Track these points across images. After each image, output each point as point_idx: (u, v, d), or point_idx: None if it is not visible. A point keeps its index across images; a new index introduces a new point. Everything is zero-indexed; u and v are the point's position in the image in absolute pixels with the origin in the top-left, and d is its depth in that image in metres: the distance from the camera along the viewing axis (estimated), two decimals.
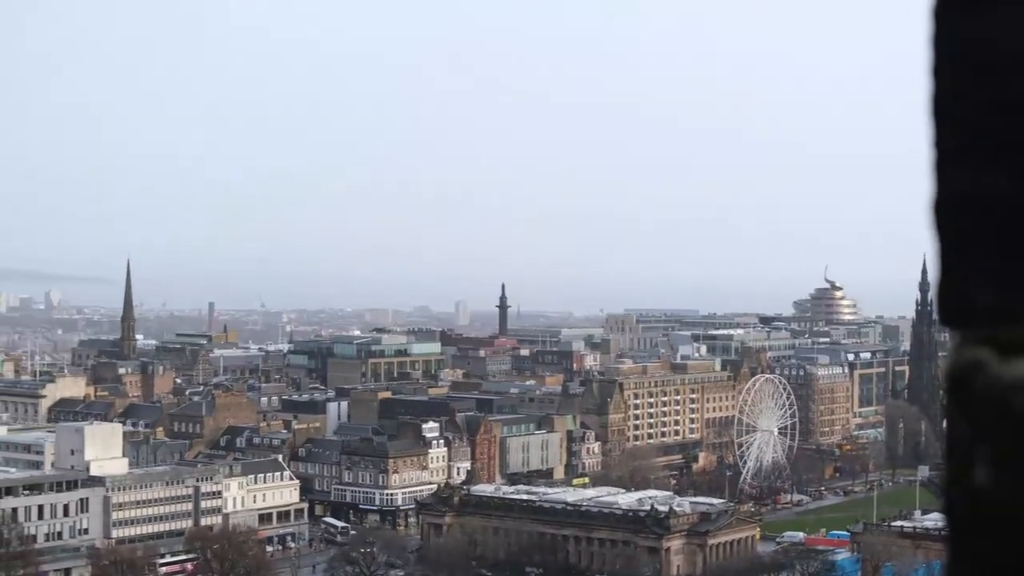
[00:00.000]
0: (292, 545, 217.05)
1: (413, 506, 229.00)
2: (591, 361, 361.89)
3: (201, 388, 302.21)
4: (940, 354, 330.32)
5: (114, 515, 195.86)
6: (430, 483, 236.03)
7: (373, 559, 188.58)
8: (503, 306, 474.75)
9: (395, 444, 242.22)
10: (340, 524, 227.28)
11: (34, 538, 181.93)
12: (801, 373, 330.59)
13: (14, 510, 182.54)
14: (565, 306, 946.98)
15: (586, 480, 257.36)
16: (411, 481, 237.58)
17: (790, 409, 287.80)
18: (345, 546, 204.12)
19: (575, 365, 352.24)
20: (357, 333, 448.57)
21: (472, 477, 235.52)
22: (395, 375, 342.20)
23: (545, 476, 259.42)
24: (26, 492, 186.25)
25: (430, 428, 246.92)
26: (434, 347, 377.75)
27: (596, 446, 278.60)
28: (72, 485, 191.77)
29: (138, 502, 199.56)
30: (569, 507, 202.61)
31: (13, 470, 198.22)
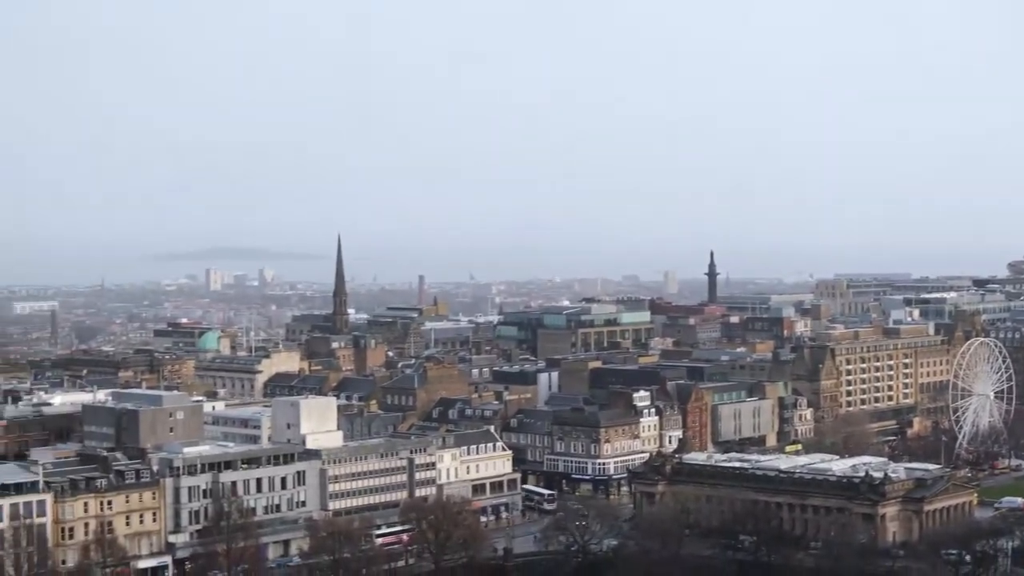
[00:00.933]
0: (505, 515, 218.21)
1: (625, 475, 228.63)
2: (801, 327, 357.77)
3: (413, 361, 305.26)
4: None
5: (330, 487, 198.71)
6: (642, 452, 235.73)
7: (586, 528, 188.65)
8: (712, 274, 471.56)
9: (606, 413, 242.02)
10: (545, 492, 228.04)
11: (253, 511, 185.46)
12: (1017, 336, 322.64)
13: (233, 483, 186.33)
14: (774, 272, 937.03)
15: (799, 447, 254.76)
16: (623, 450, 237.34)
17: (1006, 372, 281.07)
18: (558, 513, 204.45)
19: (785, 331, 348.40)
20: (566, 303, 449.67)
21: (684, 445, 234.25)
22: (605, 344, 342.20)
23: (757, 443, 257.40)
24: (244, 466, 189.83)
25: (641, 397, 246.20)
26: (643, 316, 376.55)
27: (808, 412, 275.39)
28: (289, 458, 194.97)
29: (353, 474, 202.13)
30: (782, 474, 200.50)
31: (231, 444, 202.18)
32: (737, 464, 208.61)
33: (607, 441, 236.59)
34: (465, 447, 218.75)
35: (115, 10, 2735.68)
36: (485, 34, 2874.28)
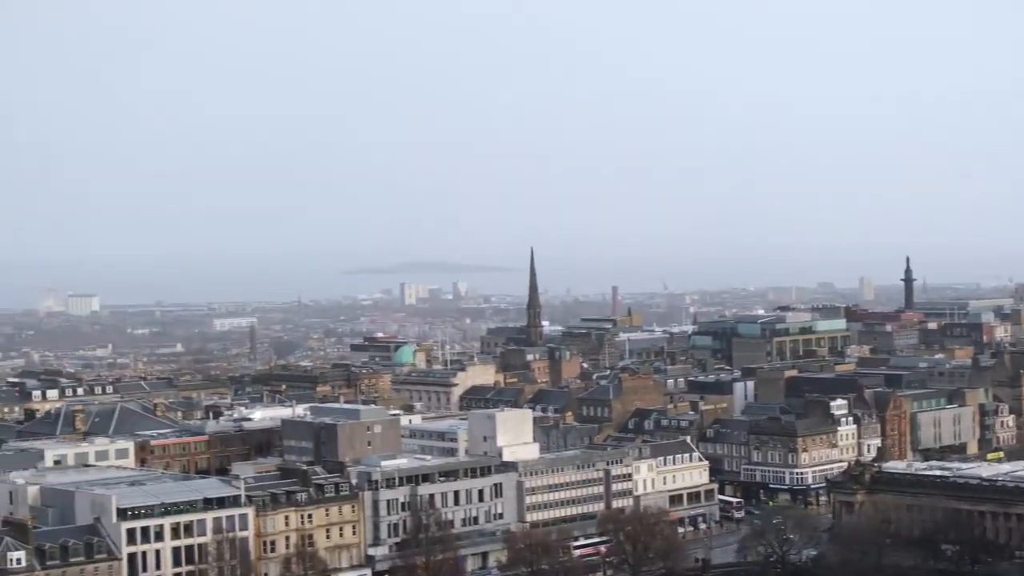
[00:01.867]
0: (703, 526, 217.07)
1: (823, 485, 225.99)
2: (1002, 332, 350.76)
3: (608, 372, 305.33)
4: None
5: (527, 499, 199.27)
6: (840, 461, 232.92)
7: (785, 539, 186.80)
8: (908, 279, 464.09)
9: (803, 422, 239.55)
10: (732, 499, 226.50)
11: (451, 523, 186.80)
12: None
13: (431, 496, 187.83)
14: (972, 277, 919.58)
15: (1001, 454, 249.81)
16: (821, 459, 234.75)
17: None
18: (753, 522, 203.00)
19: (985, 337, 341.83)
20: (761, 312, 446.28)
21: (883, 454, 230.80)
22: (801, 353, 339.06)
23: (957, 451, 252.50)
24: (442, 478, 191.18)
25: (838, 405, 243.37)
26: (839, 323, 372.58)
27: (1010, 419, 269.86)
28: (486, 471, 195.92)
29: (550, 486, 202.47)
30: (985, 482, 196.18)
31: (429, 457, 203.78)
32: (938, 472, 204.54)
33: (804, 450, 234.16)
34: (661, 458, 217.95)
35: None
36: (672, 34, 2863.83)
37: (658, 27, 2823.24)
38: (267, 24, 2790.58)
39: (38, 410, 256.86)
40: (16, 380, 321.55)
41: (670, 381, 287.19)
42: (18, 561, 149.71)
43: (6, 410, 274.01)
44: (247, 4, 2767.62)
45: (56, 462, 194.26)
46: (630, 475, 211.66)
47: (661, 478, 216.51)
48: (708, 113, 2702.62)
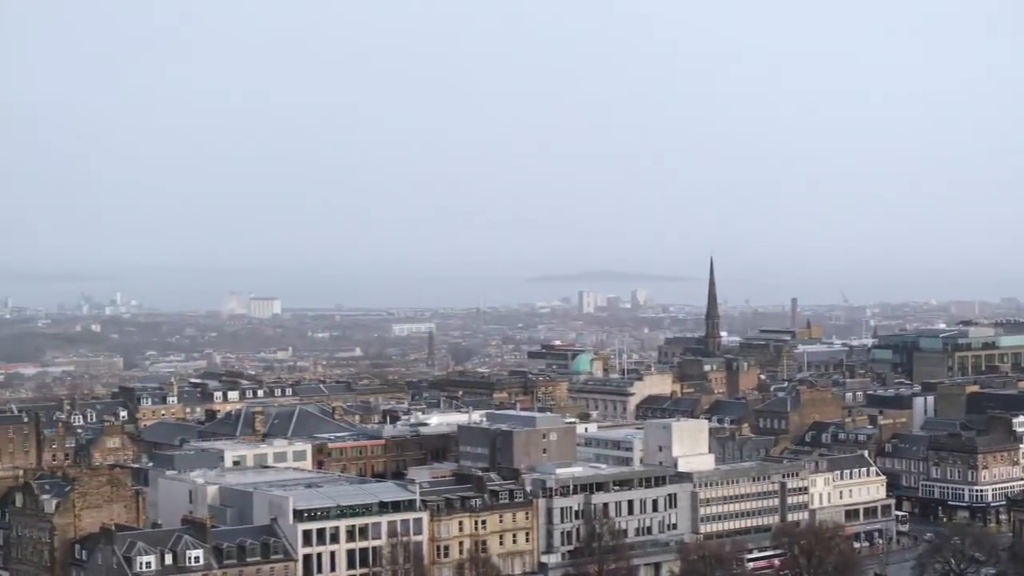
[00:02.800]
0: (879, 541, 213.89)
1: (1003, 502, 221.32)
2: None
3: (785, 384, 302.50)
4: None
5: (701, 511, 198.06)
6: (1021, 479, 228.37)
7: (964, 556, 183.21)
8: None
9: (984, 439, 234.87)
10: (899, 514, 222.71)
11: (625, 532, 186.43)
12: None
13: (605, 505, 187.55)
14: None
15: None
16: (1001, 477, 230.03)
17: None
18: (934, 540, 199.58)
19: None
20: (942, 326, 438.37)
21: None
22: (983, 368, 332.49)
23: None
24: (616, 488, 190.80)
25: (1020, 423, 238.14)
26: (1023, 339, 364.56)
27: None
28: (660, 481, 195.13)
29: (725, 498, 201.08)
30: None
31: (604, 466, 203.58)
32: None
33: (985, 467, 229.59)
34: (838, 472, 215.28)
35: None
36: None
37: (846, 40, 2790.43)
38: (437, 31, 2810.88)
39: (219, 411, 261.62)
40: (198, 381, 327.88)
41: (848, 394, 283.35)
42: (196, 559, 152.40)
43: (188, 410, 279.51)
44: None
45: (235, 463, 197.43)
46: (806, 488, 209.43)
47: (837, 492, 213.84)
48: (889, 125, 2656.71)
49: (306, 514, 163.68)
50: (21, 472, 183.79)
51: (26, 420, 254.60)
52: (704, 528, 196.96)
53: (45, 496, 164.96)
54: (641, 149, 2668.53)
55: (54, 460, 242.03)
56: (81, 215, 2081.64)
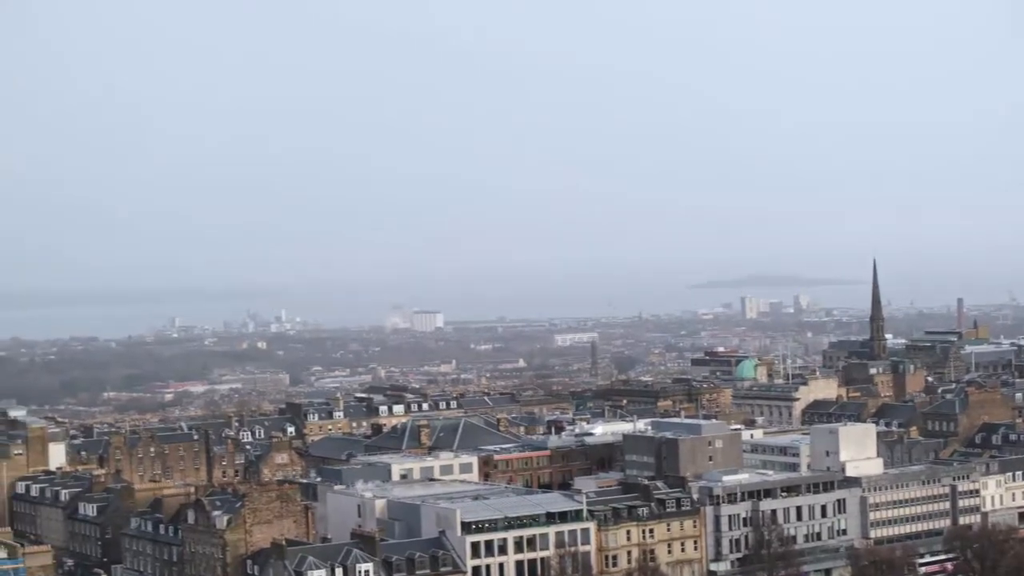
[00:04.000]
0: None
1: None
2: None
3: (953, 385, 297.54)
4: None
5: (871, 515, 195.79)
6: None
7: None
8: None
9: None
10: None
11: (793, 539, 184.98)
12: None
13: (773, 511, 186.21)
14: None
15: None
16: None
17: None
18: None
19: None
20: None
21: None
22: None
23: None
24: (784, 494, 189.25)
25: None
26: None
27: None
28: (828, 486, 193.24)
29: (894, 502, 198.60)
30: None
31: (770, 472, 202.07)
32: None
33: None
34: (1010, 473, 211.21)
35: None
36: None
37: None
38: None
39: (385, 424, 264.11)
40: (364, 395, 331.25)
41: (1018, 395, 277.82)
42: (366, 573, 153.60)
43: (354, 425, 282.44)
44: None
45: (402, 476, 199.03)
46: (977, 491, 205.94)
47: (1010, 494, 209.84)
48: None
49: (474, 526, 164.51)
50: (192, 489, 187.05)
51: (196, 437, 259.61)
52: (874, 533, 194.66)
53: (216, 512, 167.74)
54: (803, 149, 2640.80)
55: (224, 476, 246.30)
56: (245, 234, 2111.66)
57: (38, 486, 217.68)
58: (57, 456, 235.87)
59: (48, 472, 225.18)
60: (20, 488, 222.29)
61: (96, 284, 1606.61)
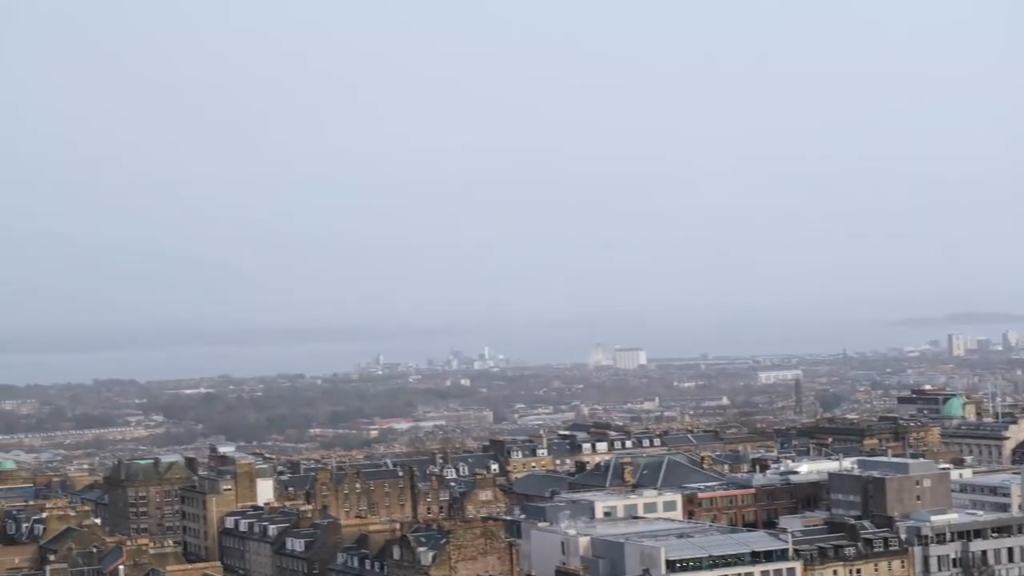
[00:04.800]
0: None
1: None
2: None
3: None
4: None
5: None
6: None
7: None
8: None
9: None
10: None
11: None
12: None
13: (984, 553, 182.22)
14: None
15: None
16: None
17: None
18: None
19: None
20: None
21: None
22: None
23: None
24: (995, 535, 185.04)
25: None
26: None
27: None
28: None
29: None
30: None
31: (980, 512, 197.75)
32: None
33: None
34: None
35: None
36: None
37: None
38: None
39: (588, 462, 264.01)
40: (567, 432, 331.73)
41: None
42: None
43: (557, 462, 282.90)
44: None
45: (606, 513, 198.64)
46: None
47: None
48: None
49: (678, 564, 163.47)
50: (398, 525, 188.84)
51: (401, 474, 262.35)
52: None
53: (421, 549, 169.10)
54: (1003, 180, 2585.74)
55: (428, 513, 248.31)
56: (451, 273, 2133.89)
57: (246, 521, 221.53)
58: (265, 491, 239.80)
59: (256, 507, 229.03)
60: (229, 523, 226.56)
61: (301, 321, 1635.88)
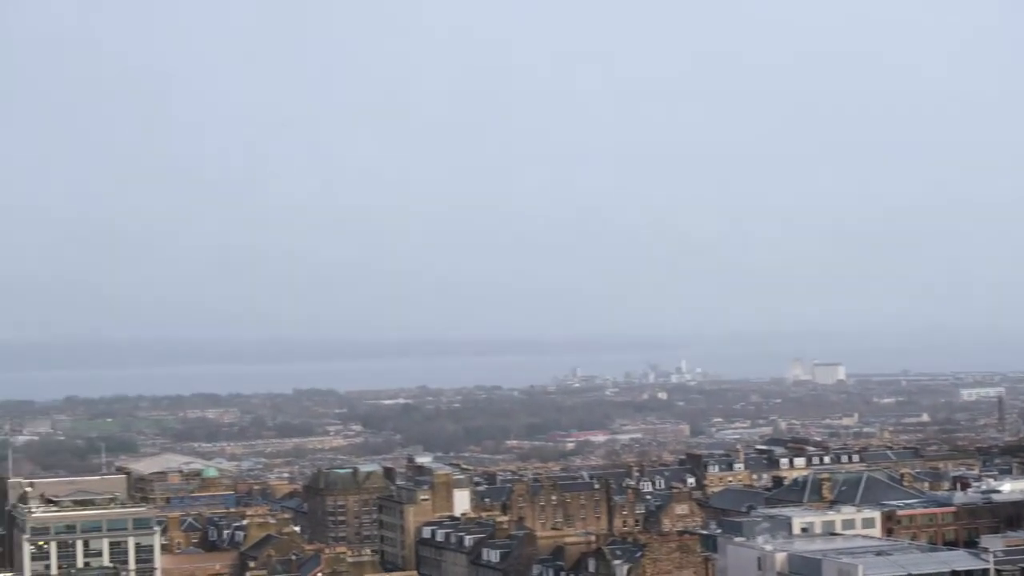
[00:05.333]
0: None
1: None
2: None
3: None
4: None
5: None
6: None
7: None
8: None
9: None
10: None
11: None
12: None
13: None
14: None
15: None
16: None
17: None
18: None
19: None
20: None
21: None
22: None
23: None
24: None
25: None
26: None
27: None
28: None
29: None
30: None
31: None
32: None
33: None
34: None
35: None
36: None
37: None
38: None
39: (785, 477, 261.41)
40: (764, 448, 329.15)
41: None
42: None
43: (754, 477, 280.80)
44: None
45: (803, 529, 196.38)
46: None
47: None
48: None
49: None
50: (593, 537, 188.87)
51: (597, 487, 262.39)
52: None
53: (617, 561, 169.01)
54: None
55: (624, 526, 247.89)
56: (645, 287, 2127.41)
57: (443, 531, 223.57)
58: (462, 502, 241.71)
59: (453, 518, 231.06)
60: (426, 532, 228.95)
61: (497, 334, 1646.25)
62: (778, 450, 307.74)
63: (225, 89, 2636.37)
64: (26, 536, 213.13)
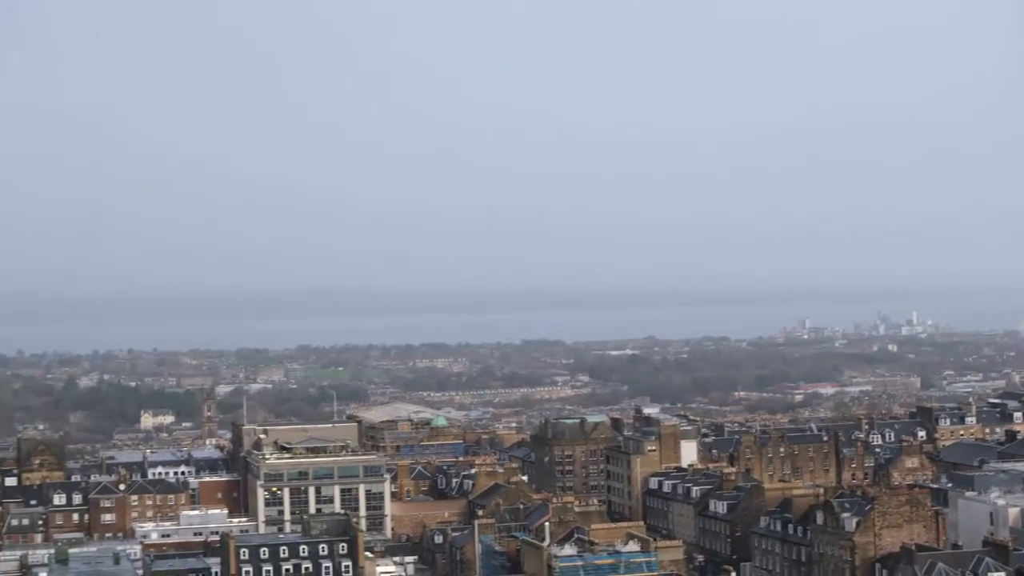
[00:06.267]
0: None
1: None
2: None
3: None
4: None
5: None
6: None
7: None
8: None
9: None
10: None
11: None
12: None
13: None
14: None
15: None
16: None
17: None
18: None
19: None
20: None
21: None
22: None
23: None
24: None
25: None
26: None
27: None
28: None
29: None
30: None
31: None
32: None
33: None
34: None
35: None
36: None
37: None
38: None
39: (1019, 431, 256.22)
40: (997, 401, 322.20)
41: None
42: None
43: (987, 431, 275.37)
44: None
45: None
46: None
47: None
48: None
49: None
50: (821, 490, 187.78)
51: (825, 439, 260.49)
52: None
53: (845, 514, 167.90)
54: None
55: (853, 479, 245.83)
56: (872, 239, 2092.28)
57: (670, 482, 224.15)
58: (689, 453, 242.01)
59: (680, 469, 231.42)
60: (653, 483, 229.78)
61: (725, 287, 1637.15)
62: (1012, 404, 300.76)
63: None
64: (260, 482, 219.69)
